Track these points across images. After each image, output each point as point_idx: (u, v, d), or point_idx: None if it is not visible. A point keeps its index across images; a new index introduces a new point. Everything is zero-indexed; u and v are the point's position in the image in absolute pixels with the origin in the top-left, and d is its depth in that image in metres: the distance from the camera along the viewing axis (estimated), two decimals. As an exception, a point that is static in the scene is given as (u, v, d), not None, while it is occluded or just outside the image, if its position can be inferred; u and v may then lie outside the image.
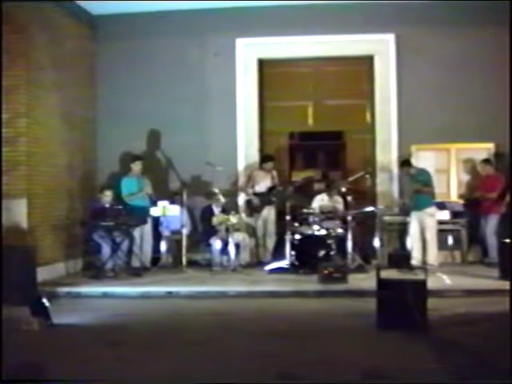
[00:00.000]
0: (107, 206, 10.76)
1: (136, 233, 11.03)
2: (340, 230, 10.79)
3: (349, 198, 10.93)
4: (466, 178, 11.88)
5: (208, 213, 11.40)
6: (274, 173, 11.89)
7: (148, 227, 11.33)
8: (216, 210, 11.37)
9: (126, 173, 11.58)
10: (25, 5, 10.02)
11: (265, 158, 12.01)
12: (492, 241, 10.94)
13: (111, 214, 10.54)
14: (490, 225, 11.08)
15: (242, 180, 12.12)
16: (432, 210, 10.77)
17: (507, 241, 9.55)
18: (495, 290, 8.72)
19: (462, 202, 11.66)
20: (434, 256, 10.70)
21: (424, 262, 10.54)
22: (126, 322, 7.68)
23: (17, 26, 9.97)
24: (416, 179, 10.83)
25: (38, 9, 10.38)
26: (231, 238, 10.88)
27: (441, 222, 11.25)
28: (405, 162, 11.13)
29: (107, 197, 10.87)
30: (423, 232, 10.75)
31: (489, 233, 11.07)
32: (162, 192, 11.73)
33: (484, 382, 5.10)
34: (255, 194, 11.73)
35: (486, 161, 11.38)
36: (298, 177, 12.59)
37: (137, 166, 11.37)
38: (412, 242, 10.85)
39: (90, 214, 10.87)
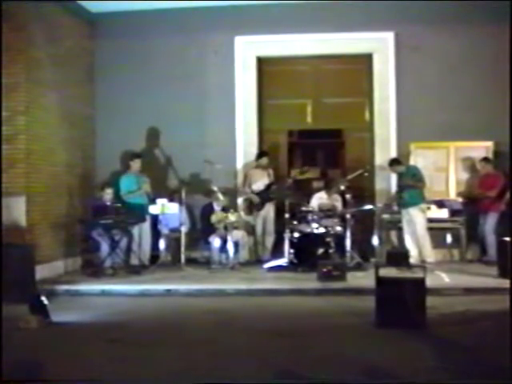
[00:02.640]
0: (108, 203, 10.78)
1: (135, 231, 11.03)
2: (339, 228, 10.79)
3: (347, 196, 10.94)
4: (464, 176, 11.87)
5: (207, 211, 11.40)
6: (271, 171, 11.90)
7: (147, 225, 11.32)
8: (217, 208, 11.37)
9: (126, 171, 11.59)
10: (24, 3, 10.02)
11: (260, 154, 11.99)
12: (491, 239, 10.95)
13: (111, 211, 10.55)
14: (489, 223, 11.08)
15: (240, 178, 12.12)
16: (422, 206, 10.80)
17: (506, 239, 9.56)
18: (494, 288, 8.73)
19: (460, 200, 11.66)
20: (428, 252, 10.72)
21: (421, 259, 10.58)
22: (124, 320, 7.67)
23: (16, 24, 9.97)
24: (406, 176, 10.88)
25: (37, 7, 10.37)
26: (230, 236, 10.89)
27: (439, 220, 11.29)
28: (394, 161, 11.17)
29: (108, 194, 10.89)
30: (415, 229, 10.78)
31: (488, 231, 11.08)
32: (161, 190, 11.72)
33: (484, 382, 5.10)
34: (254, 193, 11.73)
35: (486, 159, 11.38)
36: (296, 174, 12.55)
37: (136, 164, 11.37)
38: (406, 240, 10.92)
39: (91, 211, 10.88)
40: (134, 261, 10.94)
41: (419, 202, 10.78)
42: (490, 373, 5.28)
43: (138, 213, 10.91)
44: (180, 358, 5.99)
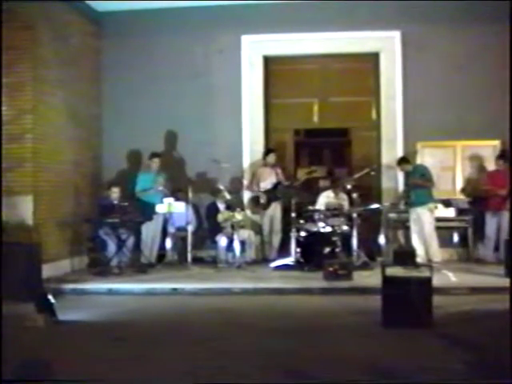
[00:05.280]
0: (114, 202, 10.78)
1: (149, 228, 11.07)
2: (345, 227, 10.77)
3: (354, 195, 10.93)
4: (471, 175, 11.83)
5: (213, 210, 11.40)
6: (279, 170, 11.88)
7: (159, 224, 11.36)
8: (221, 206, 11.37)
9: (132, 169, 11.61)
10: (30, 2, 10.03)
11: (267, 151, 11.98)
12: (505, 237, 10.82)
13: (118, 210, 10.55)
14: (505, 221, 10.98)
15: (247, 177, 12.11)
16: (431, 205, 10.76)
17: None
18: (501, 288, 8.65)
19: (467, 199, 11.63)
20: (435, 252, 10.69)
21: (428, 258, 10.57)
22: (130, 319, 7.69)
23: (23, 23, 10.00)
24: (413, 175, 10.86)
25: (43, 6, 10.38)
26: (236, 235, 10.89)
27: (446, 220, 11.26)
28: (402, 160, 11.16)
29: (115, 193, 10.90)
30: (422, 228, 10.75)
31: (504, 229, 10.97)
32: (169, 189, 11.70)
33: (489, 382, 5.08)
34: (261, 191, 11.72)
35: (502, 156, 11.28)
36: (303, 173, 12.50)
37: (154, 164, 11.41)
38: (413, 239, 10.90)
39: (98, 210, 10.89)
40: (142, 259, 10.95)
41: (427, 201, 10.74)
42: (496, 372, 5.26)
43: (148, 211, 10.94)
44: (186, 356, 5.99)
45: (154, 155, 11.49)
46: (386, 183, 12.04)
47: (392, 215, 11.52)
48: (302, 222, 10.97)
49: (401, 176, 11.60)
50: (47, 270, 9.74)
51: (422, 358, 5.78)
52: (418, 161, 11.58)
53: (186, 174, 12.02)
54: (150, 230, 11.25)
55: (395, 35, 11.94)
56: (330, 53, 12.29)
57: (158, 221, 11.36)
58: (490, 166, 11.56)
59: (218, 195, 11.38)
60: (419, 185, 10.74)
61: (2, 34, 9.45)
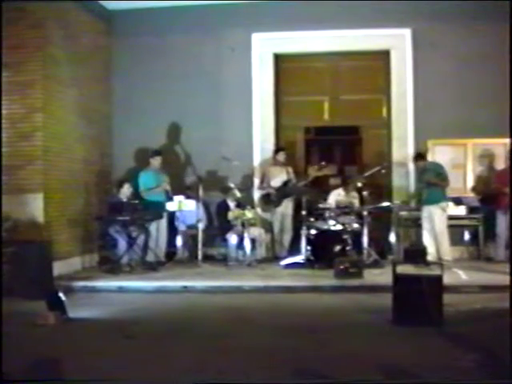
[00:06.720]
0: (124, 200, 10.79)
1: (152, 227, 11.05)
2: (356, 225, 10.76)
3: (365, 193, 10.91)
4: (482, 173, 11.79)
5: (223, 208, 11.40)
6: (290, 168, 11.88)
7: (164, 222, 11.34)
8: (231, 204, 11.37)
9: (143, 167, 11.62)
10: (41, 0, 10.06)
11: (276, 149, 12.00)
12: None
13: (128, 208, 10.55)
14: None
15: (257, 175, 12.11)
16: (443, 204, 10.73)
17: None
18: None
19: (477, 197, 11.58)
20: (445, 251, 10.66)
21: (438, 256, 10.54)
22: (141, 317, 7.70)
23: (33, 22, 10.03)
24: (428, 172, 10.81)
25: (54, 4, 10.40)
26: (247, 233, 10.89)
27: (457, 218, 11.22)
28: (418, 156, 11.12)
29: (126, 189, 10.89)
30: (434, 226, 10.72)
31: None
32: (179, 187, 11.72)
33: (497, 382, 5.06)
34: (273, 188, 11.72)
35: None
36: (313, 170, 12.46)
37: (156, 161, 11.39)
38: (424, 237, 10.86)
39: (108, 208, 10.90)
40: (151, 257, 10.95)
41: (440, 199, 10.71)
42: (506, 371, 5.23)
43: (155, 209, 10.92)
44: (195, 354, 5.99)
45: (155, 153, 11.48)
46: (396, 181, 12.02)
47: (403, 213, 11.48)
48: (312, 219, 10.97)
49: (411, 174, 11.57)
50: (58, 268, 9.80)
51: (432, 357, 5.76)
52: (429, 159, 11.53)
53: (196, 171, 12.01)
54: (155, 228, 11.22)
55: (406, 33, 11.91)
56: (340, 51, 12.28)
57: (165, 218, 11.36)
58: (501, 164, 11.51)
59: (229, 193, 11.39)
60: (434, 183, 10.70)
61: (1, 33, 9.51)
